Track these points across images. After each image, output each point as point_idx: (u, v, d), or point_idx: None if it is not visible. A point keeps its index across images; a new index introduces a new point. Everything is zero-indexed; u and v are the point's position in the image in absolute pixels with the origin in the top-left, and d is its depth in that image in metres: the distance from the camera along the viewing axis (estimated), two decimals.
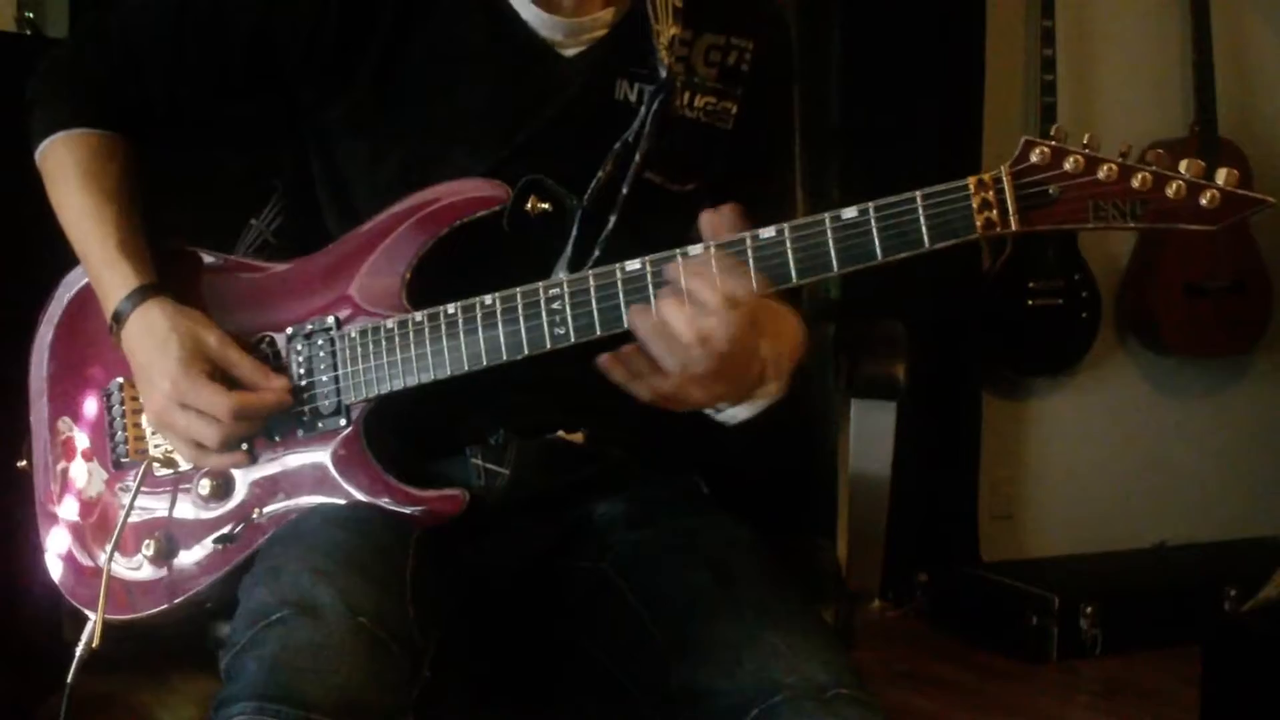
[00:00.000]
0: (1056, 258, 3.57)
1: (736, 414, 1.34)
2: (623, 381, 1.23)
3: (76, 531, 1.49)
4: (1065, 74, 3.57)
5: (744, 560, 1.37)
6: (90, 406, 1.50)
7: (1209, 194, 1.14)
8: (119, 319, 1.40)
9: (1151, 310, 3.71)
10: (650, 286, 1.25)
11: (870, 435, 1.70)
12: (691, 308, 1.19)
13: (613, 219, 1.38)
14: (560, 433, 1.45)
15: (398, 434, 1.41)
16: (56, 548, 1.50)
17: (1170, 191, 1.15)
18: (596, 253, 1.36)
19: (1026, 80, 3.59)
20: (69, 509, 1.50)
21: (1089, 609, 3.28)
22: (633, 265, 1.26)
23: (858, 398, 1.71)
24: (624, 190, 1.39)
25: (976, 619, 3.45)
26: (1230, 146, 3.64)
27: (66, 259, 1.48)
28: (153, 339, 1.37)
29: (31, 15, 2.45)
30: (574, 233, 1.39)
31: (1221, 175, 1.15)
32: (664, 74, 1.41)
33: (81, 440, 1.50)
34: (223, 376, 1.37)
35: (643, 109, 1.41)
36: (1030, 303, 3.56)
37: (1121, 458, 3.85)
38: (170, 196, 1.73)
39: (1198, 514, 3.88)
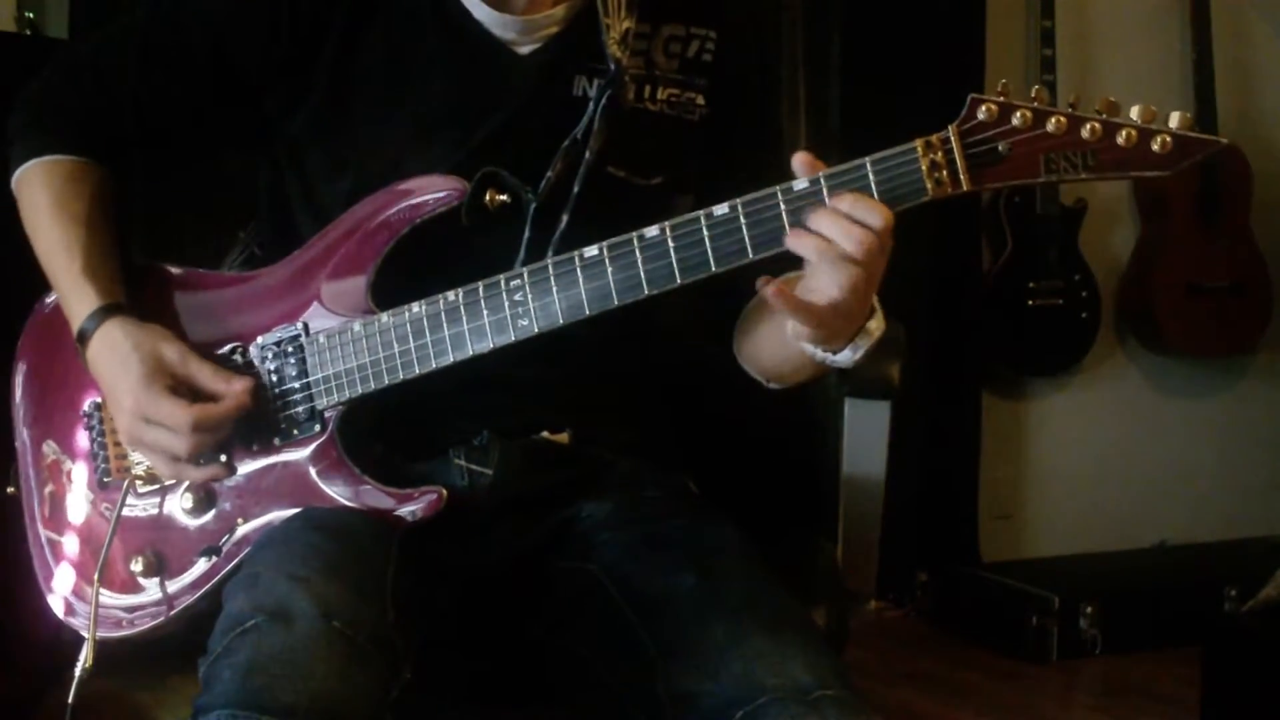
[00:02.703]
0: (1057, 258, 3.57)
1: (856, 348, 1.30)
2: (789, 309, 1.22)
3: (67, 553, 1.49)
4: (1065, 74, 3.56)
5: (731, 561, 1.36)
6: (73, 428, 1.50)
7: (1160, 139, 1.13)
8: (83, 339, 1.41)
9: (1151, 310, 3.71)
10: (609, 271, 1.25)
11: (865, 435, 1.70)
12: (844, 221, 1.19)
13: (565, 217, 1.38)
14: (545, 433, 1.46)
15: (381, 437, 1.41)
16: (49, 571, 1.50)
17: (1121, 139, 1.14)
18: (551, 251, 1.34)
19: (1026, 80, 3.59)
20: (59, 532, 1.50)
21: (1089, 609, 3.28)
22: (591, 251, 1.26)
23: (852, 398, 1.71)
24: (576, 187, 1.39)
25: (976, 619, 3.45)
26: (1230, 146, 3.63)
27: (47, 282, 1.49)
28: (115, 357, 1.38)
29: (31, 15, 2.45)
30: (527, 231, 1.38)
31: (1174, 119, 1.14)
32: (613, 68, 1.41)
33: (67, 462, 1.50)
34: (188, 389, 1.38)
35: (591, 104, 1.41)
36: (1030, 303, 3.55)
37: (1121, 458, 3.85)
38: (161, 211, 1.74)
39: (1198, 514, 3.87)
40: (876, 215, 1.19)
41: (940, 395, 3.56)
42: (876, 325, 1.30)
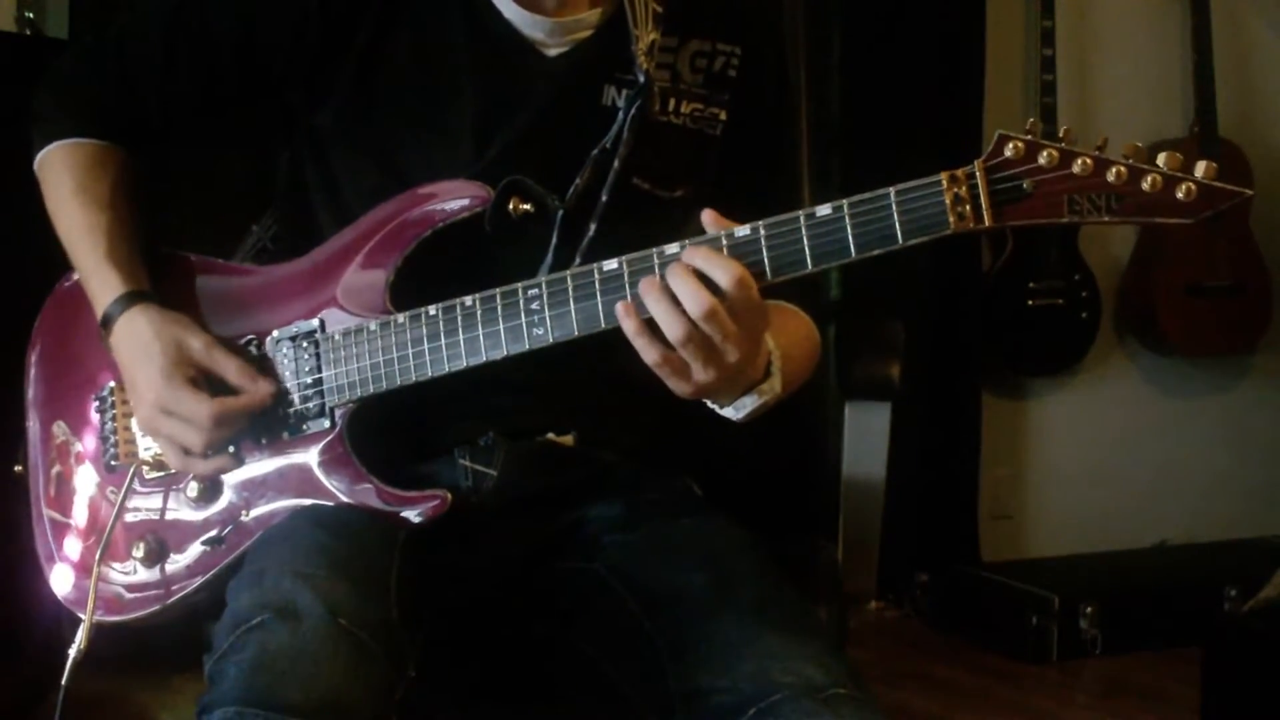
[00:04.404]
0: (1057, 258, 3.57)
1: (739, 408, 1.31)
2: (632, 334, 1.22)
3: (70, 535, 1.49)
4: (1065, 74, 3.56)
5: (740, 560, 1.37)
6: (84, 411, 1.51)
7: (1185, 187, 1.12)
8: (107, 324, 1.41)
9: (1151, 310, 3.71)
10: (628, 286, 1.24)
11: (865, 436, 1.70)
12: (697, 283, 1.18)
13: (593, 226, 1.38)
14: (550, 435, 1.46)
15: (387, 436, 1.41)
16: (50, 551, 1.51)
17: (1146, 185, 1.13)
18: (579, 259, 1.35)
19: (1026, 81, 3.59)
20: (63, 513, 1.50)
21: (1089, 609, 3.28)
22: (610, 265, 1.26)
23: (852, 399, 1.70)
24: (604, 197, 1.39)
25: (976, 619, 3.45)
26: (1230, 146, 3.64)
27: (64, 263, 1.49)
28: (138, 344, 1.39)
29: (31, 15, 2.45)
30: (554, 238, 1.38)
31: (1200, 168, 1.13)
32: (641, 79, 1.41)
33: (75, 444, 1.51)
34: (208, 381, 1.38)
35: (620, 114, 1.41)
36: (1030, 303, 3.56)
37: (1121, 458, 3.85)
38: (175, 202, 1.74)
39: (1198, 514, 3.87)
40: (725, 272, 1.17)
41: (940, 395, 3.56)
42: (769, 388, 1.29)
